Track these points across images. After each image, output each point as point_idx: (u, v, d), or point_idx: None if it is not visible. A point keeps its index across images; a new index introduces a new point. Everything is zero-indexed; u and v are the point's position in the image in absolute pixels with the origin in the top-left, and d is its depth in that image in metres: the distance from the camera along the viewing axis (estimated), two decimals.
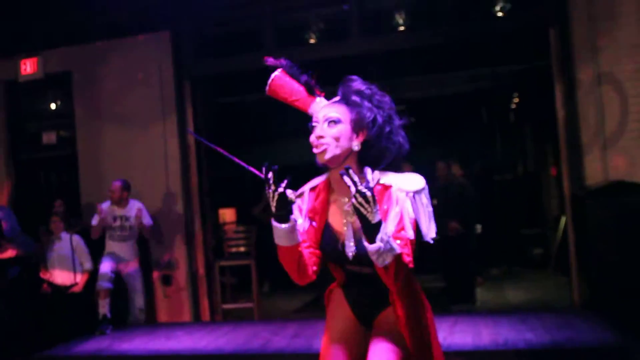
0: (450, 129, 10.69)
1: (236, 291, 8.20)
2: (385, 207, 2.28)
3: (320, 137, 2.32)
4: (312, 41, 7.26)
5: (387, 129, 2.34)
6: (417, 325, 2.39)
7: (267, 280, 9.15)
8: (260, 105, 8.27)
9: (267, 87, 2.60)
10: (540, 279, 8.65)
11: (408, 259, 2.22)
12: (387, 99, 2.42)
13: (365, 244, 2.14)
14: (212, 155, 7.74)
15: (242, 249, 7.45)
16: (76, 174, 7.69)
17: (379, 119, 2.33)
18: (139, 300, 6.62)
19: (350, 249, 2.37)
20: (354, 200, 2.07)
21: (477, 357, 4.49)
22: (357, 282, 2.50)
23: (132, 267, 6.62)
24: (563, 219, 8.26)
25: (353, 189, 2.06)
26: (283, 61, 2.61)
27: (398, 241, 2.17)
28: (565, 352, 4.47)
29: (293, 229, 2.28)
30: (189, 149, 7.33)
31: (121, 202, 6.55)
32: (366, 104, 2.33)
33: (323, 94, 2.53)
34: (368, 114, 2.32)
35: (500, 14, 6.75)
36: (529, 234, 10.48)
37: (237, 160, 2.56)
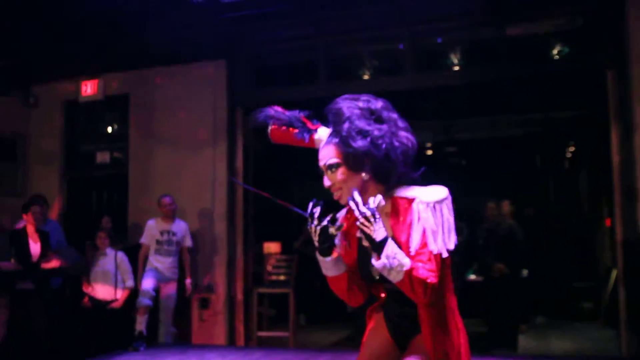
0: (502, 172, 10.57)
1: (273, 323, 8.20)
2: (409, 221, 2.30)
3: (330, 186, 2.39)
4: (365, 77, 7.37)
5: (384, 145, 2.31)
6: (441, 345, 2.36)
7: (304, 314, 9.13)
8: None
9: (270, 139, 2.68)
10: (588, 330, 8.33)
11: (428, 273, 2.22)
12: (377, 105, 2.41)
13: (373, 261, 2.18)
14: (260, 183, 7.87)
15: (282, 277, 7.47)
16: (126, 194, 7.91)
17: (370, 144, 2.30)
18: (169, 318, 6.68)
19: (373, 267, 2.37)
20: (358, 222, 2.17)
21: None
22: (395, 301, 2.49)
23: (170, 287, 6.72)
24: (614, 272, 8.04)
25: (356, 212, 2.16)
26: (270, 111, 2.64)
27: (406, 259, 2.17)
28: None
29: (337, 260, 2.39)
30: (237, 175, 7.44)
31: (170, 217, 6.70)
32: (355, 135, 2.31)
33: (319, 125, 2.57)
34: (361, 148, 2.30)
35: (557, 57, 6.72)
36: (580, 287, 10.17)
37: (279, 201, 2.62)
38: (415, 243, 2.27)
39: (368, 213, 2.15)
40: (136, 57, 7.81)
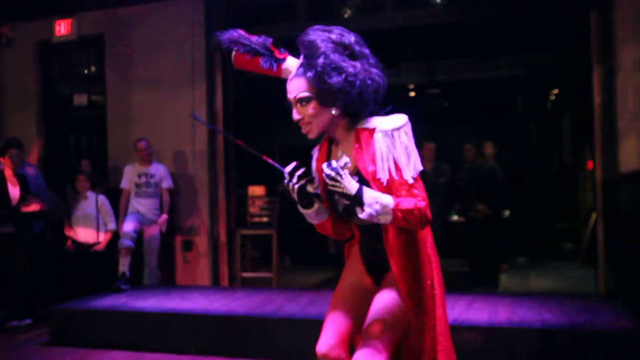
0: (484, 115, 10.60)
1: (257, 264, 8.28)
2: (372, 151, 2.33)
3: (299, 119, 2.40)
4: (346, 15, 7.25)
5: (358, 82, 2.30)
6: (414, 279, 2.40)
7: (288, 255, 9.22)
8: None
9: (233, 64, 2.59)
10: (568, 270, 8.52)
11: (414, 200, 2.25)
12: (350, 39, 2.38)
13: (359, 214, 2.22)
14: (240, 126, 7.82)
15: (265, 219, 7.52)
16: (105, 137, 7.83)
17: (344, 80, 2.29)
18: (153, 260, 6.74)
19: (340, 202, 2.43)
20: (328, 186, 2.23)
21: (491, 333, 4.46)
22: (368, 237, 2.53)
23: (153, 230, 6.75)
24: (594, 214, 8.17)
25: (324, 174, 2.21)
26: (234, 34, 2.56)
27: (388, 198, 2.21)
28: (583, 334, 4.40)
29: (319, 209, 2.45)
30: (217, 117, 7.37)
31: (147, 160, 6.73)
32: (330, 71, 2.29)
33: (287, 54, 2.52)
34: (335, 85, 2.29)
35: None
36: (562, 228, 10.35)
37: (251, 149, 2.58)
38: (382, 173, 2.30)
39: (332, 173, 2.19)
40: None
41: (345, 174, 2.21)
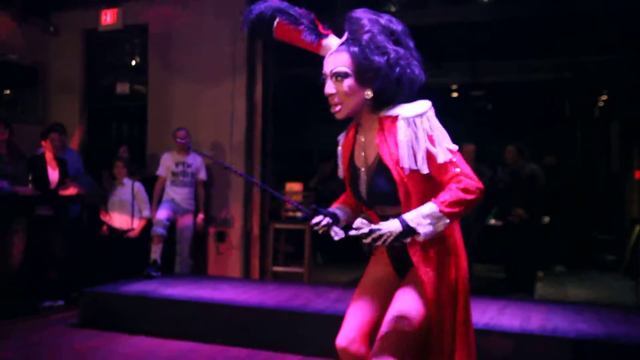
0: (528, 118, 10.36)
1: (289, 259, 8.26)
2: (395, 138, 2.28)
3: (331, 94, 2.32)
4: (392, 9, 7.18)
5: (398, 68, 2.27)
6: (437, 274, 2.34)
7: (320, 252, 9.18)
8: None
9: (274, 33, 2.54)
10: (607, 281, 8.26)
11: (457, 184, 2.20)
12: (397, 27, 2.35)
13: (419, 239, 2.19)
14: (279, 119, 7.81)
15: (299, 214, 7.48)
16: (144, 126, 7.93)
17: (386, 63, 2.26)
18: (185, 249, 6.79)
19: (362, 184, 2.41)
20: (377, 245, 2.17)
21: (522, 340, 4.30)
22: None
23: (187, 219, 6.80)
24: (638, 226, 7.92)
25: (366, 243, 2.17)
26: (277, 2, 2.52)
27: (430, 206, 2.16)
28: (619, 346, 4.23)
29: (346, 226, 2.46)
30: (255, 110, 7.39)
31: (184, 150, 6.75)
32: (373, 49, 2.27)
33: (330, 32, 2.47)
34: (376, 63, 2.26)
35: None
36: (604, 239, 10.05)
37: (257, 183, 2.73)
38: (406, 161, 2.24)
39: (366, 231, 2.14)
40: None
41: (369, 225, 2.17)
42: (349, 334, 2.43)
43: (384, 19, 2.35)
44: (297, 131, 10.57)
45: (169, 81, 7.73)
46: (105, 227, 6.91)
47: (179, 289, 5.72)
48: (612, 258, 9.48)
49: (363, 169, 2.40)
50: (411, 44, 2.37)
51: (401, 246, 2.37)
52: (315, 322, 4.76)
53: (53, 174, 6.51)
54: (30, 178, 6.28)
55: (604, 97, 10.69)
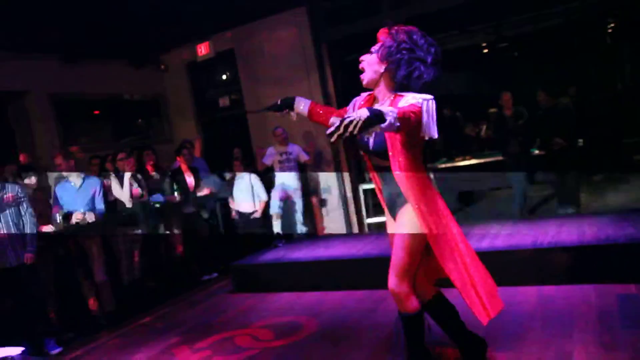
0: (549, 60, 9.95)
1: (377, 211, 8.38)
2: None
3: (361, 60, 2.64)
4: None
5: (405, 59, 2.49)
6: (427, 208, 2.55)
7: None
8: None
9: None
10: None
11: (411, 107, 2.34)
12: (420, 41, 2.53)
13: (382, 125, 2.13)
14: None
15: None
16: (246, 127, 8.14)
17: (398, 52, 2.50)
18: (299, 219, 6.96)
19: (370, 139, 2.60)
20: (348, 130, 2.01)
21: (581, 252, 4.27)
22: (382, 178, 2.69)
23: (296, 194, 6.93)
24: None
25: (341, 130, 2.02)
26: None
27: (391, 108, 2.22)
28: None
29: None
30: (331, 101, 7.46)
31: (283, 142, 6.87)
32: (393, 43, 2.52)
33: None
34: (392, 50, 2.51)
35: None
36: (630, 142, 9.64)
37: None
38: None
39: (337, 122, 2.03)
40: (236, 15, 7.80)
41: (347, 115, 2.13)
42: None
43: (414, 36, 2.54)
44: None
45: (258, 88, 7.87)
46: (234, 213, 7.15)
47: (302, 252, 5.90)
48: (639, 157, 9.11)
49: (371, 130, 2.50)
50: (429, 57, 2.51)
51: (392, 189, 2.60)
52: None
53: (190, 180, 6.80)
54: (175, 187, 6.62)
55: (612, 25, 10.11)
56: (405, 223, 2.58)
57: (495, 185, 8.24)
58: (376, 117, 2.08)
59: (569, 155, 6.92)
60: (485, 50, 10.11)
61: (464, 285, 2.59)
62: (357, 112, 2.07)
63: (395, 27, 2.57)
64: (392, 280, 2.61)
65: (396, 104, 2.45)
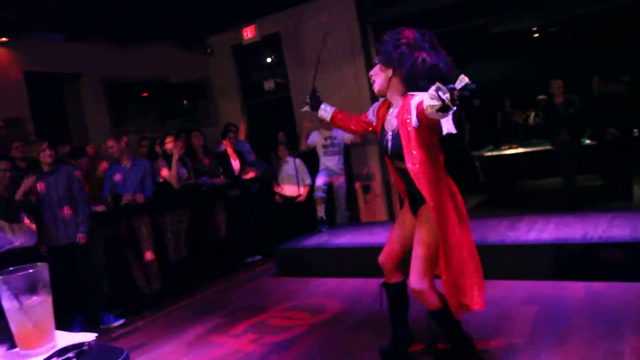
0: (602, 44, 9.55)
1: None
2: (407, 116, 2.56)
3: (370, 75, 2.78)
4: None
5: (405, 52, 2.55)
6: (439, 205, 2.59)
7: None
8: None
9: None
10: None
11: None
12: (411, 34, 2.60)
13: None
14: None
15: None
16: (291, 111, 8.16)
17: (395, 50, 2.58)
18: (342, 204, 6.97)
19: (389, 142, 2.72)
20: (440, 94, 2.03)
21: (635, 248, 4.13)
22: (404, 180, 2.80)
23: (340, 180, 6.93)
24: None
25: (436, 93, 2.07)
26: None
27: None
28: None
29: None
30: None
31: (327, 127, 6.83)
32: (388, 45, 2.62)
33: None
34: (390, 50, 2.61)
35: None
36: None
37: None
38: (414, 118, 2.51)
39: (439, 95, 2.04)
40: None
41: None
42: (384, 254, 3.08)
43: (404, 32, 2.61)
44: None
45: (303, 72, 7.83)
46: (278, 197, 7.20)
47: (345, 238, 5.91)
48: None
49: (390, 133, 2.73)
50: (434, 60, 2.54)
51: (412, 188, 2.68)
52: None
53: (235, 164, 6.91)
54: (221, 170, 6.73)
55: None
56: (425, 220, 2.66)
57: (543, 175, 8.05)
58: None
59: (622, 145, 6.71)
60: (536, 35, 9.80)
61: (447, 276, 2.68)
62: (434, 92, 2.04)
63: (384, 36, 2.68)
64: (414, 279, 2.70)
65: (408, 103, 2.55)
